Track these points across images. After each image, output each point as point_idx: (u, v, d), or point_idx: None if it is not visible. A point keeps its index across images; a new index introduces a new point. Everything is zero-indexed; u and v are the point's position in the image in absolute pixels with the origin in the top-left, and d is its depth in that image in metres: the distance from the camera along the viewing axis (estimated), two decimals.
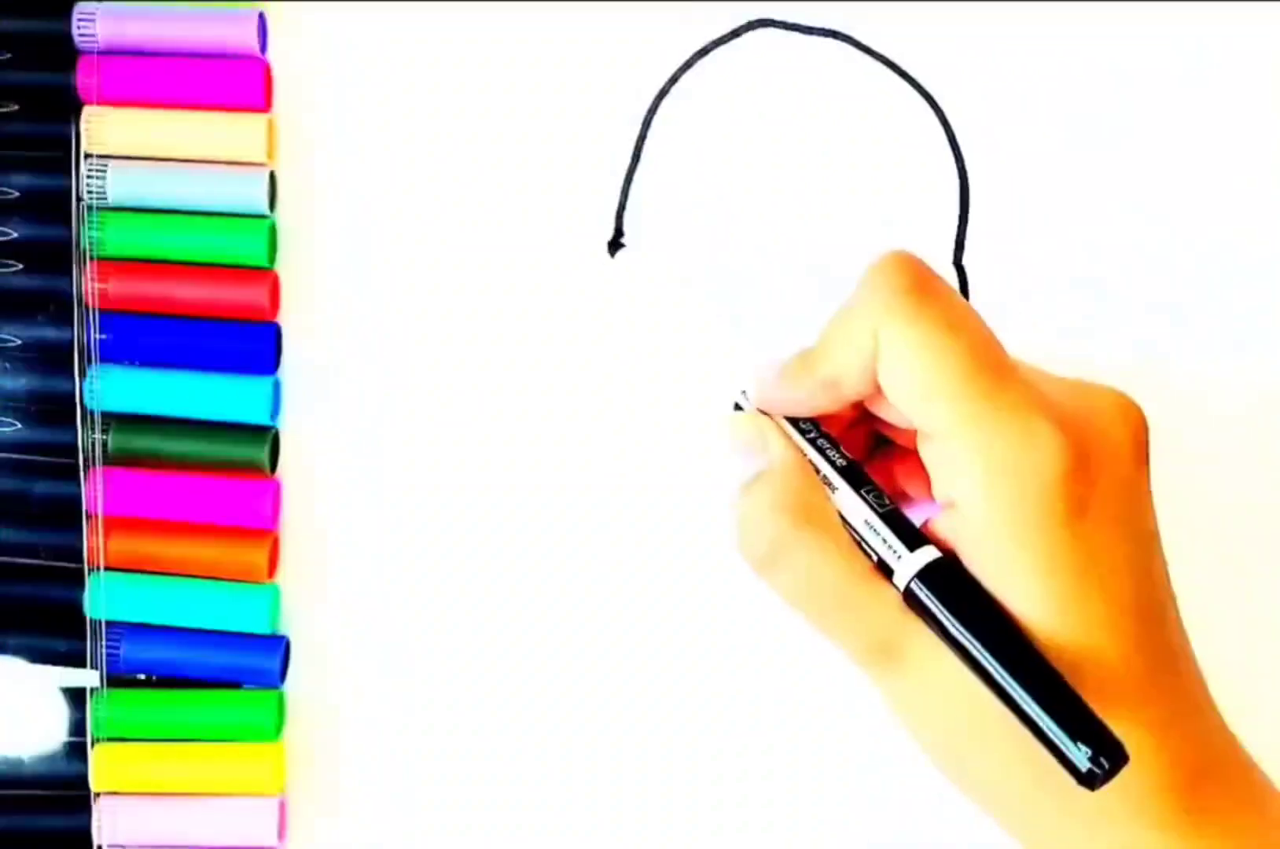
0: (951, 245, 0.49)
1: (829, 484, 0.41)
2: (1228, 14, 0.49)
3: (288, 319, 0.50)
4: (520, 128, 0.49)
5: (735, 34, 0.49)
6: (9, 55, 0.48)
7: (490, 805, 0.50)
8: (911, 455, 0.41)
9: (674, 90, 0.49)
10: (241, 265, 0.49)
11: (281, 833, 0.49)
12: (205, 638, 0.49)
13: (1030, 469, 0.38)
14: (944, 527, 0.39)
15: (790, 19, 0.49)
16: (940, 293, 0.39)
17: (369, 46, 0.49)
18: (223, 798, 0.49)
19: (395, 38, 0.49)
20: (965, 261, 0.49)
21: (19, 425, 0.49)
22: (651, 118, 0.49)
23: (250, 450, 0.49)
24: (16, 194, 0.48)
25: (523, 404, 0.49)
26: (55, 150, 0.48)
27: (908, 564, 0.39)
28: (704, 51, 0.49)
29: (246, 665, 0.49)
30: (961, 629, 0.37)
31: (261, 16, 0.49)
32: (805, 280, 0.49)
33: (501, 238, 0.49)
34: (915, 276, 0.39)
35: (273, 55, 0.49)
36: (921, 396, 0.39)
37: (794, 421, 0.42)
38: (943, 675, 0.39)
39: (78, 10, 0.48)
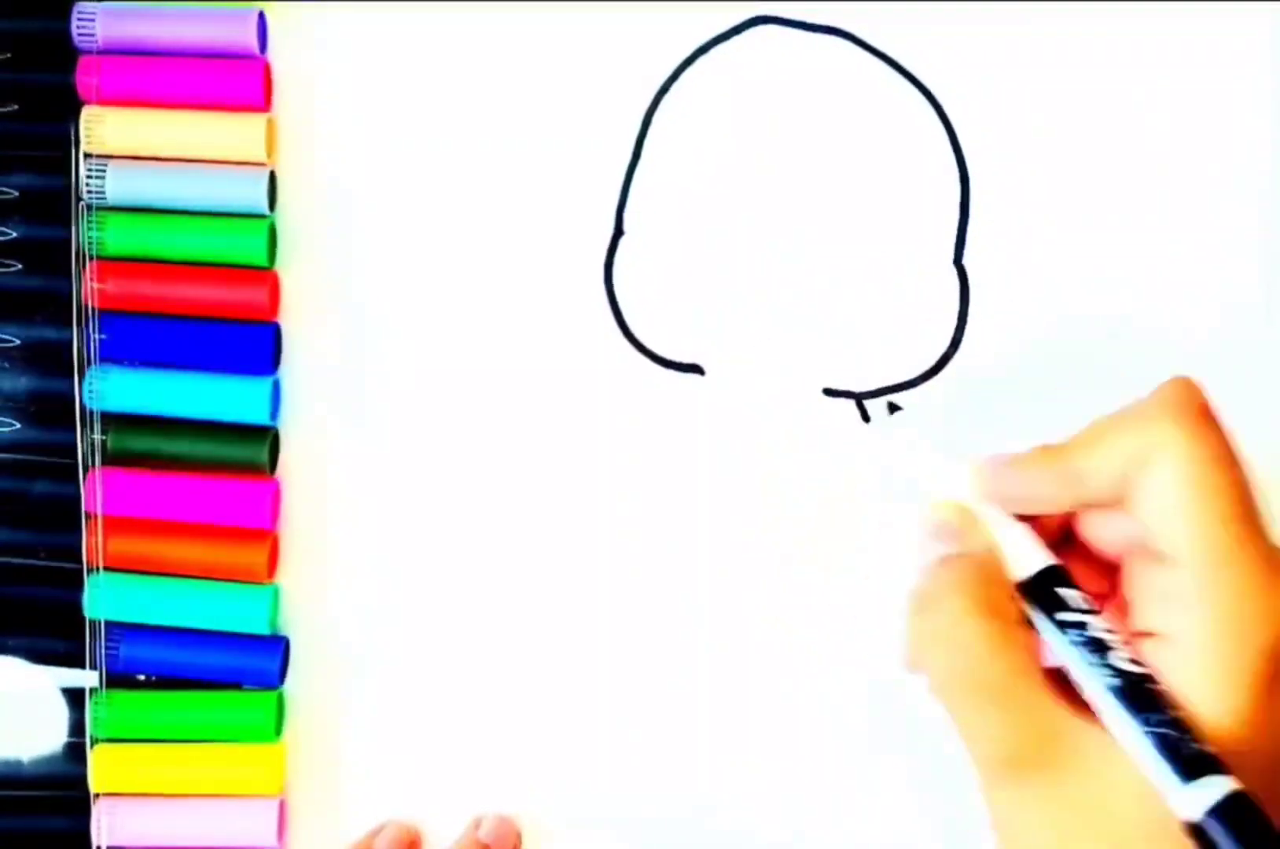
0: (952, 243, 0.49)
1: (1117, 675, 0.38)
2: (1229, 14, 0.49)
3: (287, 319, 0.49)
4: (520, 125, 0.49)
5: (736, 31, 0.49)
6: (8, 55, 0.48)
7: (490, 807, 0.50)
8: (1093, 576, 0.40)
9: (675, 87, 0.49)
10: (241, 265, 0.49)
11: (281, 834, 0.49)
12: (204, 639, 0.49)
13: (1260, 628, 0.38)
14: (1152, 650, 0.39)
15: (791, 16, 0.49)
16: (1220, 424, 0.39)
17: (369, 45, 0.49)
18: (222, 799, 0.49)
19: (395, 36, 0.49)
20: (965, 260, 0.49)
21: (18, 425, 0.49)
22: (652, 115, 0.49)
23: (250, 451, 0.49)
24: (16, 194, 0.48)
25: (523, 404, 0.49)
26: (55, 150, 0.48)
27: (1199, 796, 0.37)
28: (705, 48, 0.49)
29: (246, 666, 0.49)
30: None
31: (261, 16, 0.49)
32: (805, 278, 0.49)
33: (501, 236, 0.49)
34: (1205, 402, 0.40)
35: (272, 54, 0.49)
36: (1177, 521, 0.38)
37: (1060, 626, 0.39)
38: (1116, 779, 0.38)
39: (77, 10, 0.48)
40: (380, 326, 0.49)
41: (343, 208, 0.49)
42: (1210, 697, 0.38)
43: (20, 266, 0.48)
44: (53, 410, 0.48)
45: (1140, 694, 0.38)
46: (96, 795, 0.49)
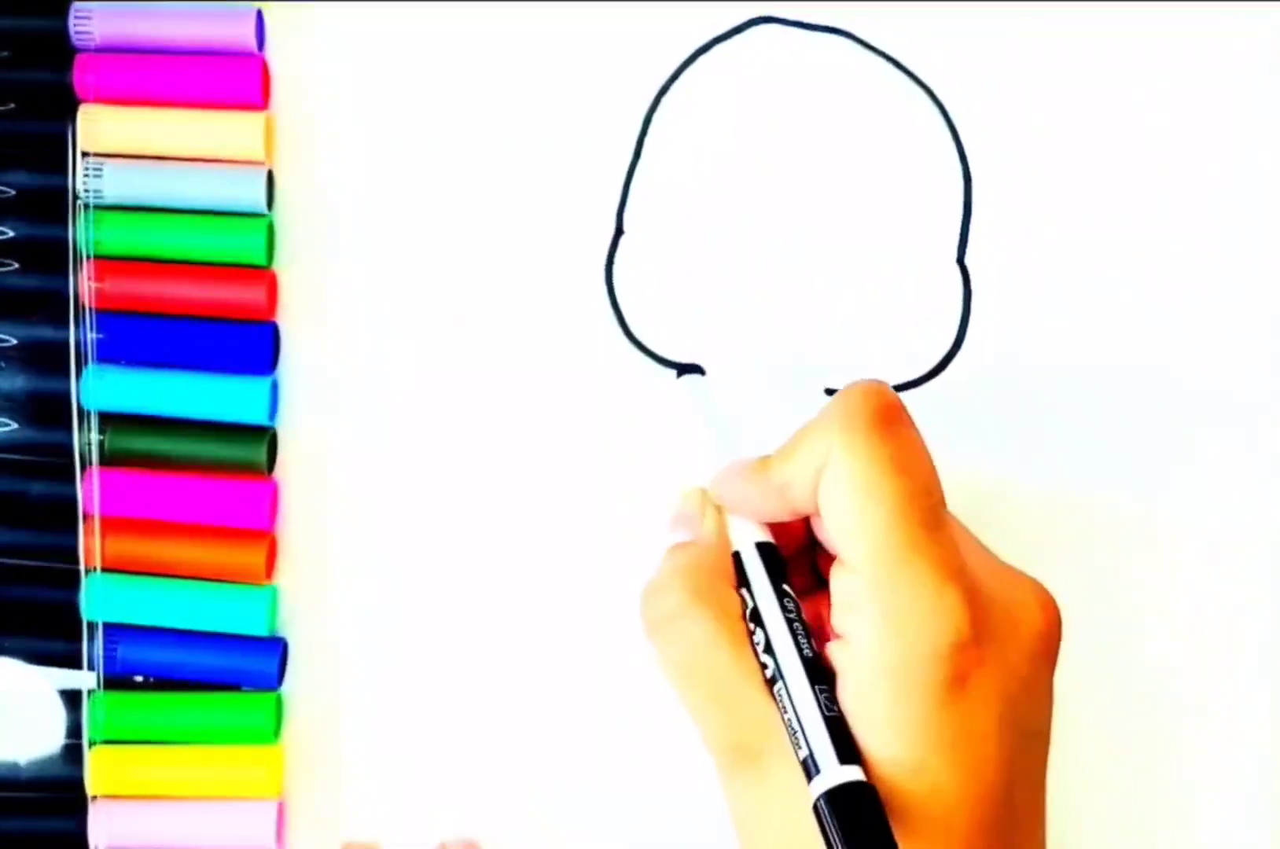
0: (955, 243, 0.49)
1: (778, 664, 0.40)
2: (1229, 14, 0.49)
3: (286, 318, 0.49)
4: (520, 125, 0.49)
5: (737, 31, 0.49)
6: (6, 53, 0.48)
7: (490, 809, 0.49)
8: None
9: (675, 87, 0.49)
10: (239, 264, 0.48)
11: (280, 836, 0.49)
12: (203, 640, 0.49)
13: (925, 632, 0.39)
14: (835, 651, 0.40)
15: (792, 16, 0.49)
16: (900, 430, 0.40)
17: (367, 43, 0.49)
18: (220, 801, 0.49)
19: (394, 35, 0.49)
20: (968, 259, 0.49)
21: (15, 425, 0.48)
22: (653, 115, 0.49)
23: (248, 451, 0.48)
24: (13, 193, 0.48)
25: (523, 404, 0.49)
26: (52, 149, 0.48)
27: (828, 777, 0.38)
28: (706, 48, 0.49)
29: (244, 667, 0.49)
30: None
31: (259, 14, 0.48)
32: (806, 277, 0.49)
33: (502, 236, 0.49)
34: (881, 408, 0.40)
35: (270, 53, 0.49)
36: (848, 527, 0.40)
37: (780, 598, 0.41)
38: (792, 791, 0.39)
39: (75, 8, 0.48)
40: (380, 326, 0.49)
41: (342, 207, 0.49)
42: (882, 700, 0.39)
43: (17, 266, 0.48)
44: (50, 410, 0.48)
45: (821, 675, 0.40)
46: (94, 797, 0.49)
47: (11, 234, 0.48)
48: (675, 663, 0.42)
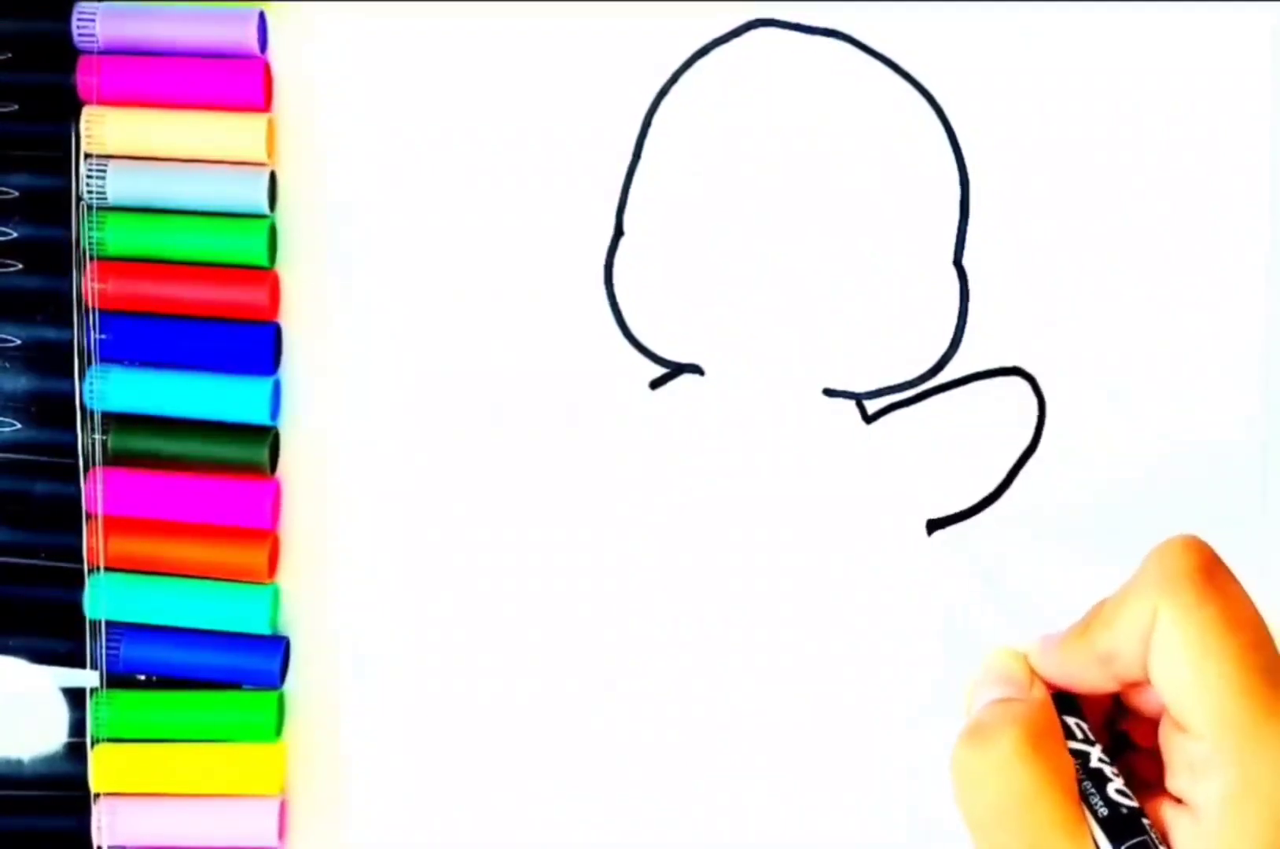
0: (952, 244, 0.49)
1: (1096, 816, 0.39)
2: (1229, 14, 0.49)
3: (287, 319, 0.49)
4: (520, 126, 0.49)
5: (736, 33, 0.49)
6: (9, 55, 0.48)
7: (491, 806, 0.50)
8: (1148, 751, 0.40)
9: (675, 89, 0.49)
10: (241, 265, 0.49)
11: (282, 834, 0.49)
12: (205, 638, 0.49)
13: None
14: (1170, 816, 0.38)
15: (791, 18, 0.49)
16: (1226, 583, 0.38)
17: (369, 45, 0.49)
18: (223, 799, 0.49)
19: (396, 36, 0.49)
20: (965, 261, 0.49)
21: (19, 425, 0.49)
22: (652, 116, 0.49)
23: (250, 451, 0.49)
24: (16, 194, 0.48)
25: (523, 404, 0.49)
26: (55, 150, 0.48)
27: None
28: (705, 51, 0.49)
29: (246, 666, 0.49)
30: None
31: (262, 16, 0.49)
32: (805, 278, 0.49)
33: (502, 237, 0.49)
34: (1202, 562, 0.38)
35: (273, 54, 0.49)
36: (1188, 692, 0.38)
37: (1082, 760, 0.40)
38: None
39: (78, 10, 0.48)
40: (380, 326, 0.49)
41: (343, 208, 0.49)
42: None
43: (21, 266, 0.48)
44: (53, 410, 0.48)
45: (1125, 828, 0.38)
46: (97, 795, 0.49)
47: (15, 235, 0.48)
48: (996, 812, 0.39)
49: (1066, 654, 0.41)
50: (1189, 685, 0.38)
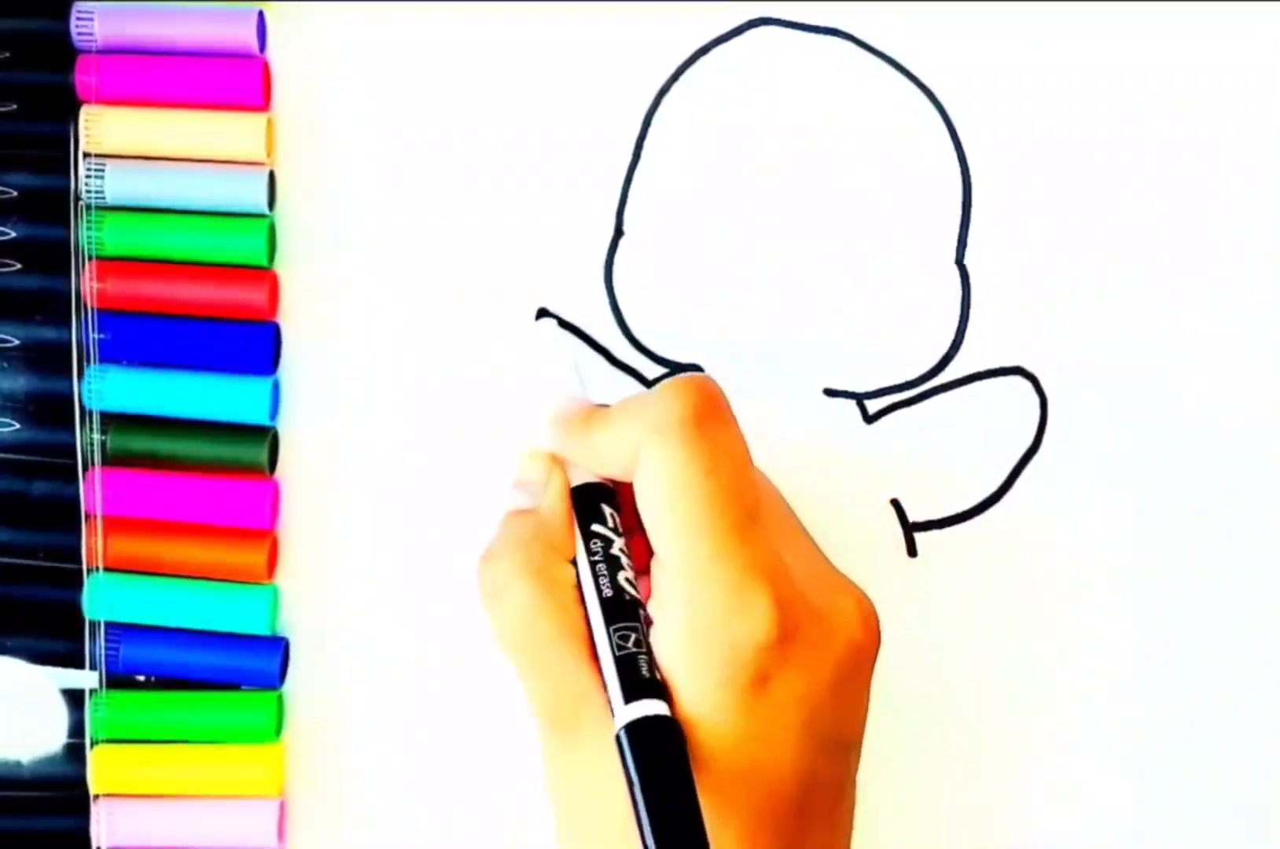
0: (954, 243, 0.49)
1: (586, 608, 0.41)
2: (1233, 14, 0.49)
3: (287, 319, 0.49)
4: (520, 125, 0.49)
5: (737, 32, 0.49)
6: (7, 54, 0.48)
7: (491, 807, 0.50)
8: None
9: (675, 88, 0.49)
10: (240, 265, 0.48)
11: (281, 835, 0.49)
12: (204, 639, 0.49)
13: (730, 633, 0.39)
14: (654, 613, 0.40)
15: (791, 17, 0.49)
16: (715, 429, 0.40)
17: (369, 45, 0.49)
18: (222, 800, 0.49)
19: (395, 36, 0.49)
20: (967, 260, 0.49)
21: (17, 426, 0.48)
22: (652, 116, 0.49)
23: (249, 451, 0.49)
24: (15, 193, 0.48)
25: (523, 403, 0.49)
26: (53, 150, 0.48)
27: (623, 714, 0.39)
28: (705, 49, 0.49)
29: (246, 667, 0.49)
30: (639, 790, 0.38)
31: (261, 15, 0.48)
32: (805, 278, 0.49)
33: (502, 236, 0.49)
34: (699, 408, 0.40)
35: (272, 54, 0.49)
36: (660, 525, 0.40)
37: (586, 536, 0.42)
38: (605, 758, 0.39)
39: (76, 9, 0.48)
40: (380, 326, 0.49)
41: (343, 207, 0.49)
42: (686, 693, 0.39)
43: (19, 266, 0.48)
44: (52, 410, 0.48)
45: (620, 612, 0.40)
46: (96, 796, 0.49)
47: (13, 234, 0.48)
48: (506, 630, 0.42)
49: (569, 435, 0.43)
50: (660, 523, 0.40)
